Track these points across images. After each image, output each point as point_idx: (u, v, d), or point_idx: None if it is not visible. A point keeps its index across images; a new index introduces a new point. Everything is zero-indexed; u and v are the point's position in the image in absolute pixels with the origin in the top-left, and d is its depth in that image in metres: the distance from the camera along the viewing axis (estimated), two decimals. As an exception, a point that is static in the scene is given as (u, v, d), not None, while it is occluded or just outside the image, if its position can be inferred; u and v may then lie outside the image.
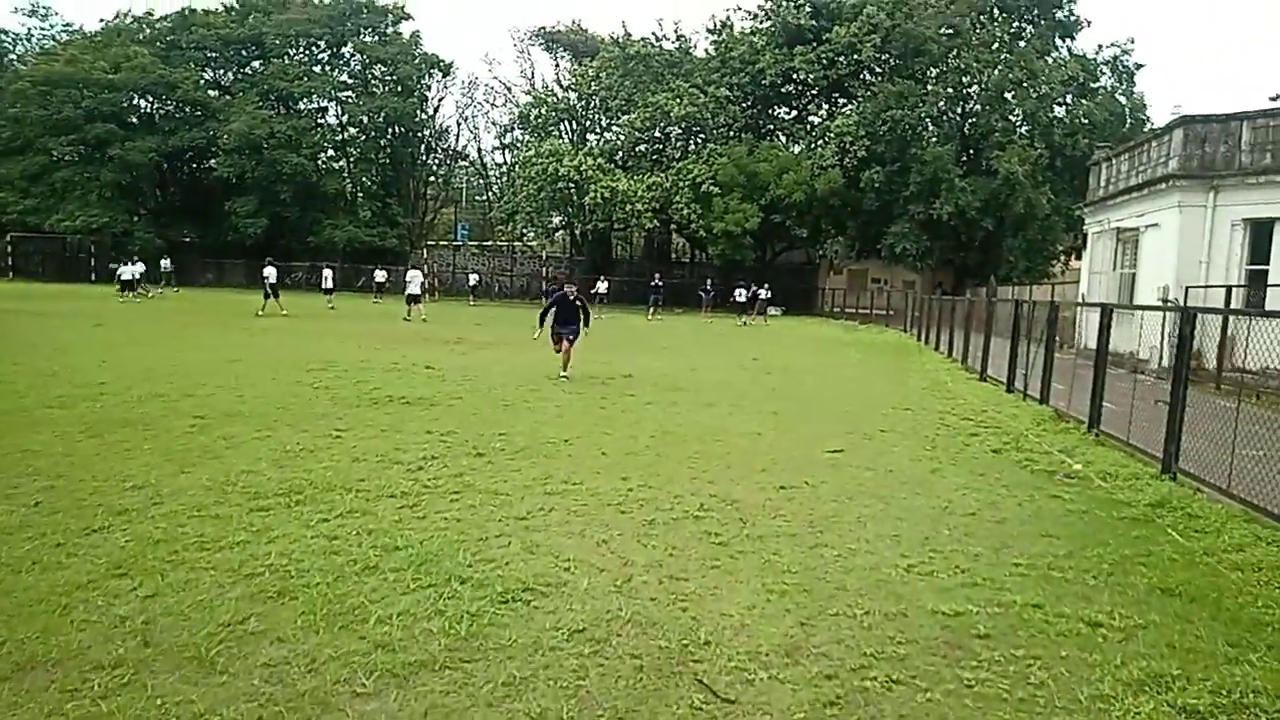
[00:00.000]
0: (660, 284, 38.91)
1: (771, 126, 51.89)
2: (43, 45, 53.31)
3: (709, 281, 42.01)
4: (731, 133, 48.34)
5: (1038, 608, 4.45)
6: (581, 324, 13.54)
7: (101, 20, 53.45)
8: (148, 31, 52.22)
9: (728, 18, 50.72)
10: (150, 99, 50.65)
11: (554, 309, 13.52)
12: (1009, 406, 12.63)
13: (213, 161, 50.38)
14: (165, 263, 40.09)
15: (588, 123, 53.59)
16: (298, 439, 7.84)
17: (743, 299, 37.67)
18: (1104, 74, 46.70)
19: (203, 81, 52.47)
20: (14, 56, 54.23)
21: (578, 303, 13.47)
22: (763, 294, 38.61)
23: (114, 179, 47.58)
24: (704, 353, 20.36)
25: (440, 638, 3.76)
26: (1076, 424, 10.45)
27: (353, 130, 55.01)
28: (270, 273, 27.88)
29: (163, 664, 3.40)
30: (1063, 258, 49.39)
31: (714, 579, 4.71)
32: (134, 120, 50.06)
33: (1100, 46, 47.96)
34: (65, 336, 16.84)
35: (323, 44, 54.01)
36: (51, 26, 54.91)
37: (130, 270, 32.53)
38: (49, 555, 4.51)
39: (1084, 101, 44.19)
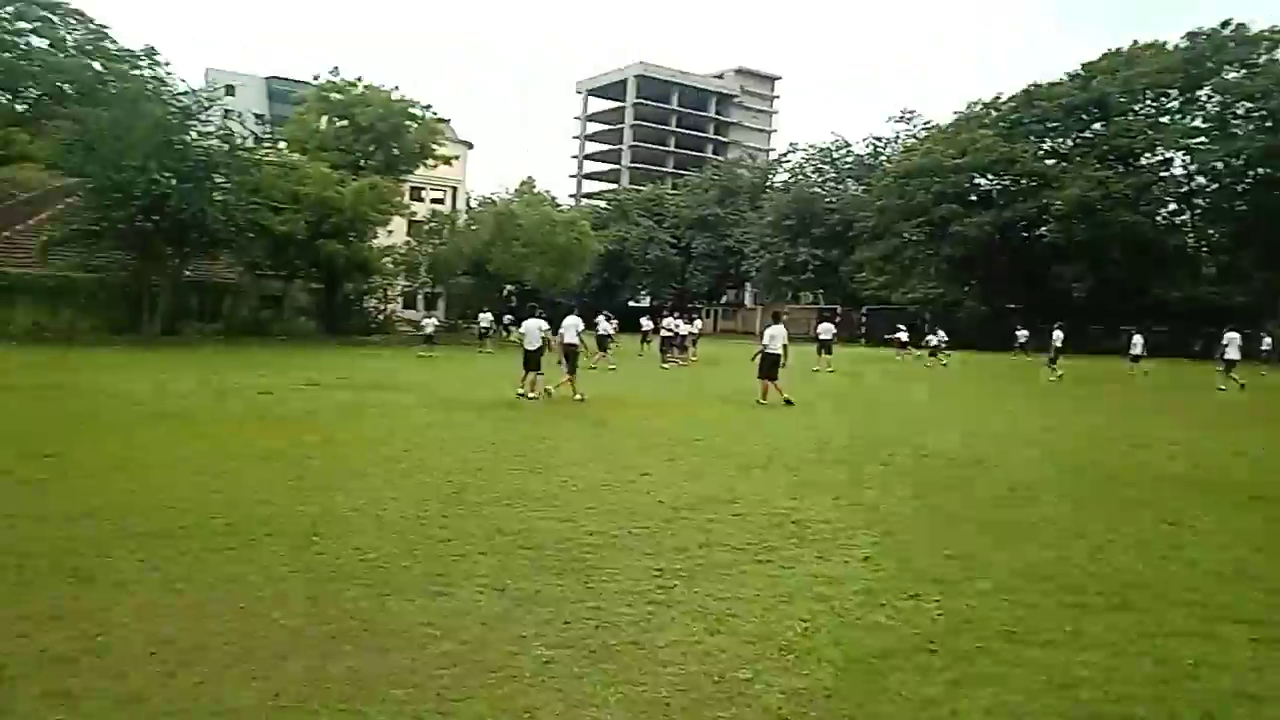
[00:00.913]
0: None
1: None
2: (905, 145, 62.26)
3: None
4: None
5: None
6: None
7: (955, 113, 59.32)
8: (993, 115, 56.00)
9: None
10: (989, 176, 54.20)
11: None
12: None
13: (1043, 229, 51.15)
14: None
15: None
16: (1121, 528, 6.99)
17: None
18: None
19: (1040, 152, 53.77)
20: (884, 157, 64.64)
21: None
22: None
23: (951, 254, 52.45)
24: None
25: None
26: None
27: (1201, 179, 49.24)
28: (1057, 336, 28.45)
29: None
30: None
31: None
32: (973, 198, 54.08)
33: None
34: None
35: (1174, 91, 49.74)
36: (914, 126, 63.65)
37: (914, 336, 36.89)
38: (871, 614, 4.82)
39: None
